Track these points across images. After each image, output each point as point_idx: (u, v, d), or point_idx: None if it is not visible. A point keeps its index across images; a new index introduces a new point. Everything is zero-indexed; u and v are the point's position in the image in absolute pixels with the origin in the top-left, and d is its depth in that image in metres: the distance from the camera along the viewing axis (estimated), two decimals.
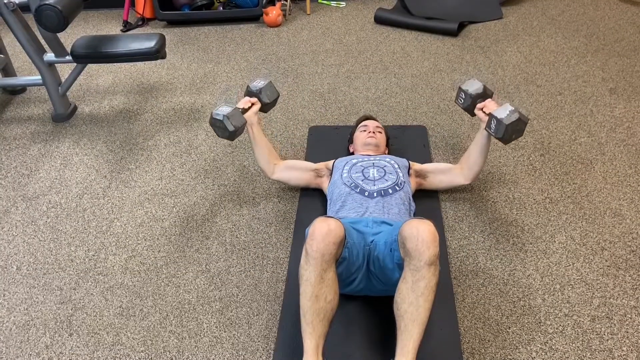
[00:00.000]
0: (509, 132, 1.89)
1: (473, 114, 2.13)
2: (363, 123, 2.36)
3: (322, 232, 1.51)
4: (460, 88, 2.15)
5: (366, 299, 1.79)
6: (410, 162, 2.17)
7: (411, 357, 1.42)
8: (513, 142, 2.60)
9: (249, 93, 2.24)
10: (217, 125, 2.01)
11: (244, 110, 2.13)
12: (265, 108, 2.25)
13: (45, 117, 3.02)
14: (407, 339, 1.44)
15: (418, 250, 1.47)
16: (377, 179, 1.96)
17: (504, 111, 1.89)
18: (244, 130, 2.07)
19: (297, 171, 2.22)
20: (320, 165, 2.21)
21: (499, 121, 1.88)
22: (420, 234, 1.48)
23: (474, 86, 2.11)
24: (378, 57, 3.46)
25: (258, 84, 2.23)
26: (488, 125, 1.95)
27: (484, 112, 2.02)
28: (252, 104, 2.19)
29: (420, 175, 2.17)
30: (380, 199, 1.88)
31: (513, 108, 1.89)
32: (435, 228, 1.52)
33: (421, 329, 1.45)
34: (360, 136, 2.28)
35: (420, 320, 1.45)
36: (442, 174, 2.19)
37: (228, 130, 1.99)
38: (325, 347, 1.50)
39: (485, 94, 2.09)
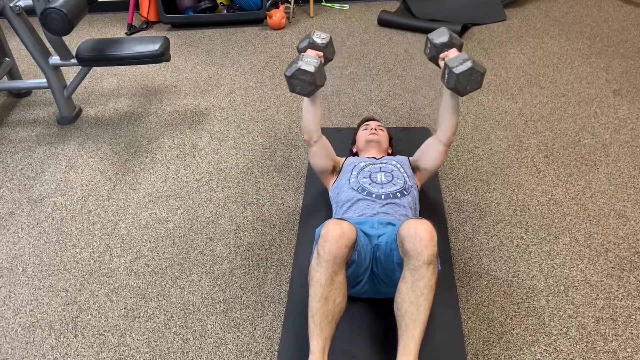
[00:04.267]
0: (461, 83, 1.76)
1: (440, 66, 1.96)
2: (365, 123, 2.37)
3: (335, 235, 1.51)
4: (427, 37, 1.98)
5: (371, 300, 1.79)
6: (410, 158, 2.15)
7: (413, 357, 1.42)
8: (516, 140, 2.60)
9: (314, 46, 2.01)
10: (303, 78, 1.82)
11: None
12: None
13: (51, 119, 3.04)
14: (409, 338, 1.44)
15: (416, 249, 1.47)
16: (385, 183, 1.96)
17: (456, 60, 1.77)
18: None
19: (327, 153, 2.10)
20: (337, 160, 2.15)
21: (450, 70, 1.76)
22: (417, 234, 1.48)
23: (440, 36, 1.93)
24: (381, 59, 3.47)
25: (322, 37, 2.01)
26: (442, 76, 1.84)
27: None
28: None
29: (415, 168, 2.11)
30: (389, 201, 1.88)
31: (467, 56, 1.76)
32: (434, 227, 1.52)
33: (422, 328, 1.45)
34: (362, 134, 2.28)
35: (420, 320, 1.45)
36: (426, 152, 2.09)
37: (315, 85, 1.83)
38: (331, 348, 1.51)
39: (451, 44, 1.93)
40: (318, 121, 2.03)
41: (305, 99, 1.98)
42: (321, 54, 2.01)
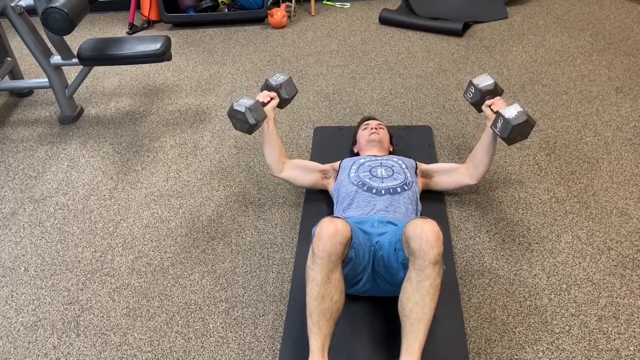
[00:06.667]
0: (515, 133, 1.87)
1: (480, 110, 2.10)
2: (365, 122, 2.37)
3: (329, 233, 1.51)
4: (470, 82, 2.10)
5: (372, 299, 1.79)
6: (417, 162, 2.17)
7: (417, 357, 1.42)
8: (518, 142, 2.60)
9: (268, 87, 2.18)
10: (237, 117, 1.98)
11: (263, 104, 2.08)
12: (282, 104, 2.20)
13: (52, 119, 3.04)
14: (413, 338, 1.44)
15: (422, 249, 1.47)
16: (386, 177, 1.96)
17: (512, 111, 1.87)
18: (262, 124, 2.04)
19: (304, 171, 2.19)
20: (327, 166, 2.19)
21: (506, 120, 1.86)
22: (424, 234, 1.48)
23: (485, 82, 2.06)
24: (383, 58, 3.46)
25: (278, 78, 2.18)
26: (494, 124, 1.93)
27: (492, 110, 1.99)
28: (271, 99, 2.14)
29: (426, 175, 2.16)
30: (389, 197, 1.88)
31: (522, 109, 1.87)
32: (439, 227, 1.52)
33: (427, 328, 1.45)
34: (363, 134, 2.29)
35: (425, 320, 1.45)
36: (447, 173, 2.17)
37: (249, 123, 1.96)
38: (331, 347, 1.51)
39: (495, 91, 2.05)
40: (277, 156, 2.14)
41: (262, 135, 2.11)
42: (273, 94, 2.15)
